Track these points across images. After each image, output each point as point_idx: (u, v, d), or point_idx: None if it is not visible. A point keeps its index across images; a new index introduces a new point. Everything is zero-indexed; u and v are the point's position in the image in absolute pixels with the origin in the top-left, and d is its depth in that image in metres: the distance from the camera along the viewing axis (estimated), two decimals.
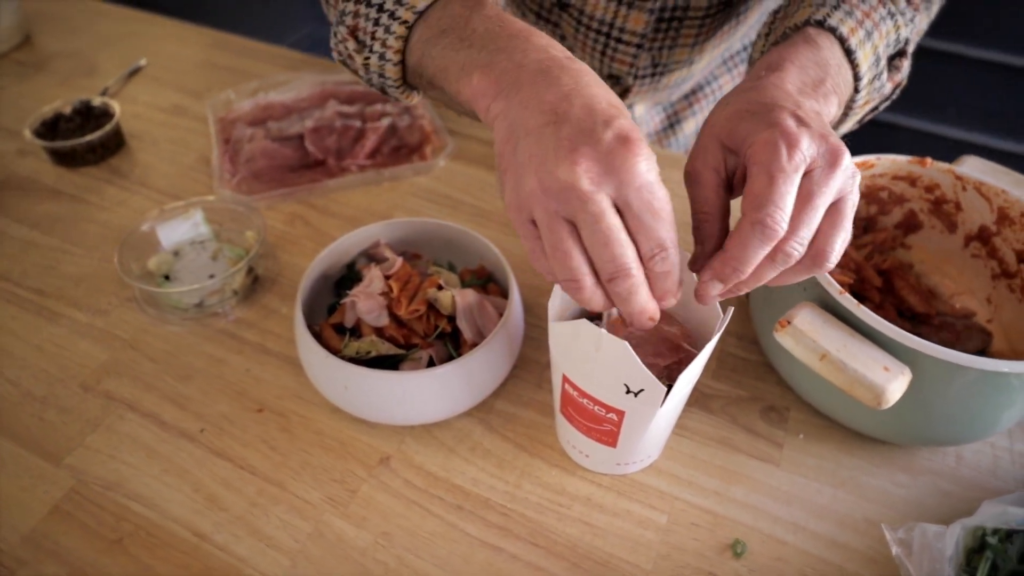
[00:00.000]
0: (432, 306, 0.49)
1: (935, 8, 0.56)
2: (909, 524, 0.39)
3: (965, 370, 0.40)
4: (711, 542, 0.43)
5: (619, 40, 0.66)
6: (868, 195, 0.56)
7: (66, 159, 0.69)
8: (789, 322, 0.42)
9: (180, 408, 0.50)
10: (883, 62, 0.48)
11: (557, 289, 0.41)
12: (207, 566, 0.42)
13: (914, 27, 0.51)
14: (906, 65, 0.51)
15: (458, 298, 0.49)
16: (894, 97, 0.53)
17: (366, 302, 0.48)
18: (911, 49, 0.51)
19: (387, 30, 0.43)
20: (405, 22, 0.42)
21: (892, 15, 0.48)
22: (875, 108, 0.53)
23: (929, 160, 0.52)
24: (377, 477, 0.46)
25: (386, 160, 0.72)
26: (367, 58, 0.45)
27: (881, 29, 0.47)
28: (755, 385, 0.52)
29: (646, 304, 0.33)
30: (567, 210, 0.31)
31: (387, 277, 0.50)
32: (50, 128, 0.70)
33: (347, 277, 0.54)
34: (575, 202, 0.31)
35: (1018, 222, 0.50)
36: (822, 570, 0.42)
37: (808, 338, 0.41)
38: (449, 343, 0.49)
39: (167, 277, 0.58)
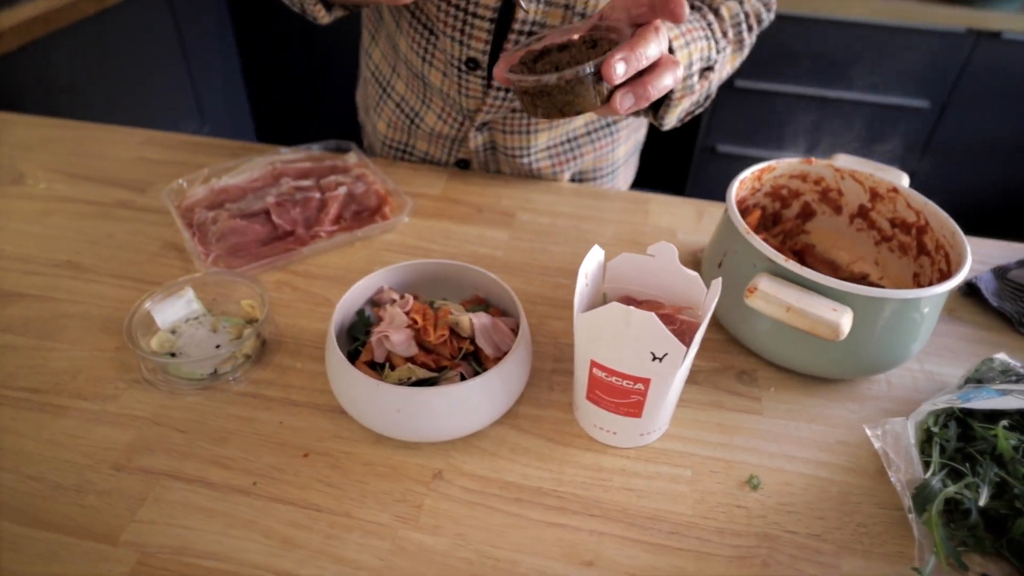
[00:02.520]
0: (453, 331, 0.55)
1: (743, 55, 0.75)
2: (882, 421, 0.49)
3: (886, 302, 0.52)
4: (731, 482, 0.52)
5: (475, 15, 0.72)
6: (773, 194, 0.70)
7: None
8: (756, 288, 0.52)
9: (225, 468, 0.51)
10: (695, 67, 0.66)
11: (579, 289, 0.49)
12: None
13: (725, 55, 0.70)
14: (712, 78, 0.69)
15: (475, 321, 0.55)
16: (706, 104, 0.72)
17: (397, 335, 0.53)
18: (718, 71, 0.70)
19: None
20: None
21: (708, 38, 0.68)
22: (691, 112, 0.72)
23: (813, 159, 0.67)
24: (436, 490, 0.50)
25: (350, 224, 0.77)
26: None
27: (697, 44, 0.65)
28: (725, 358, 0.62)
29: None
30: None
31: (406, 313, 0.56)
32: None
33: (358, 323, 0.59)
34: None
35: (886, 197, 0.65)
36: (818, 484, 0.52)
37: (773, 297, 0.52)
38: (472, 361, 0.55)
39: (173, 355, 0.59)
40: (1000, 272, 0.71)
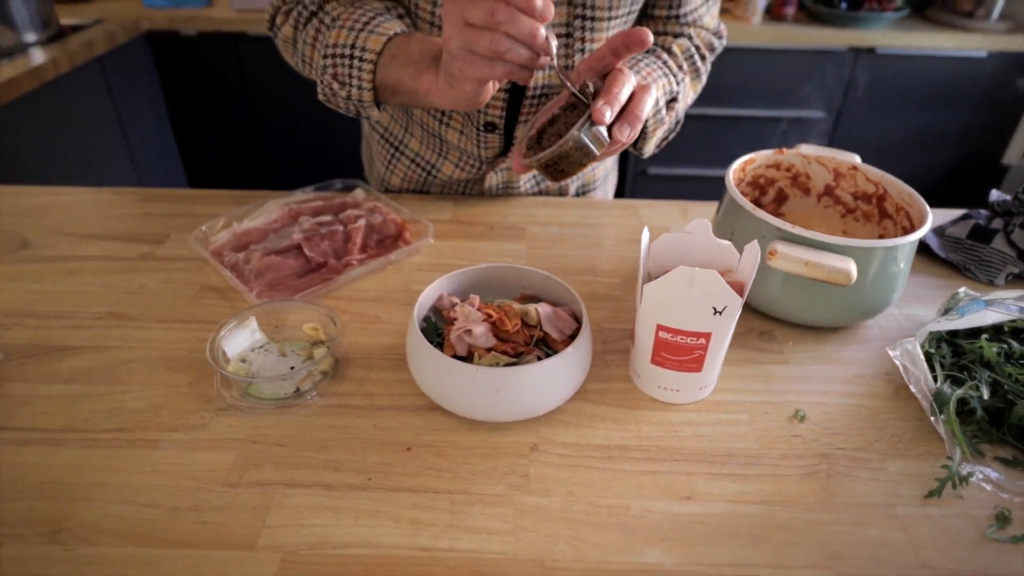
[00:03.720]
0: (522, 320, 0.61)
1: (703, 81, 0.88)
2: (898, 343, 0.59)
3: (874, 251, 0.63)
4: (782, 419, 0.60)
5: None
6: (753, 183, 0.81)
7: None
8: (776, 251, 0.62)
9: (336, 470, 0.54)
10: (661, 101, 0.78)
11: (642, 261, 0.57)
12: (448, 567, 0.47)
13: (684, 86, 0.83)
14: (677, 107, 0.82)
15: (540, 310, 0.61)
16: (676, 130, 0.85)
17: (477, 328, 0.59)
18: (681, 99, 0.82)
19: (359, 69, 0.71)
20: (372, 61, 0.70)
21: (666, 75, 0.80)
22: (665, 137, 0.85)
23: (784, 149, 0.79)
24: (536, 460, 0.55)
25: (376, 251, 0.82)
26: (348, 92, 0.73)
27: (659, 82, 0.77)
28: (744, 323, 0.71)
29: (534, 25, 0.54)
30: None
31: (477, 310, 0.61)
32: None
33: (428, 329, 0.64)
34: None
35: (847, 174, 0.78)
36: (851, 410, 0.61)
37: (792, 256, 0.61)
38: (542, 345, 0.61)
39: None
40: (939, 231, 0.85)
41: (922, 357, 0.59)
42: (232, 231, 0.82)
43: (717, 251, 0.61)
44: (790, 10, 1.98)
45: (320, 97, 0.76)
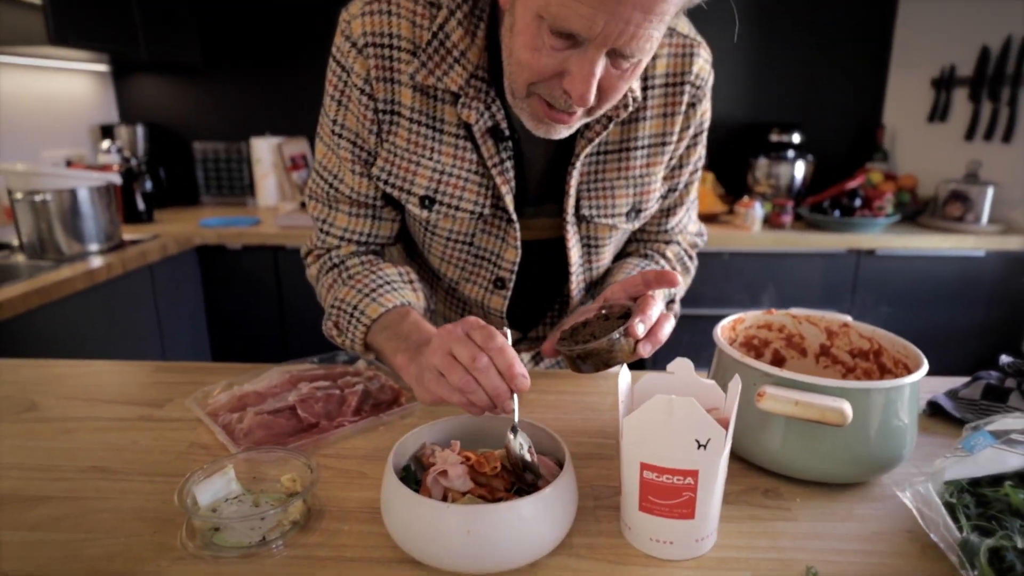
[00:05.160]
0: (503, 465, 0.59)
1: (692, 274, 0.99)
2: (907, 484, 0.54)
3: (875, 392, 0.61)
4: None
5: (488, 313, 0.94)
6: (747, 344, 0.81)
7: None
8: (764, 393, 0.60)
9: None
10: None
11: (621, 406, 0.56)
12: None
13: (680, 288, 0.88)
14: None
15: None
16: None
17: (453, 469, 0.56)
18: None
19: (355, 328, 0.81)
20: (366, 325, 0.80)
21: None
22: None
23: (773, 310, 0.80)
24: None
25: (370, 414, 0.81)
26: (343, 340, 0.85)
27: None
28: (747, 480, 0.67)
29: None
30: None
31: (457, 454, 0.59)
32: None
33: (407, 478, 0.61)
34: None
35: (840, 332, 0.78)
36: (871, 569, 0.54)
37: (781, 396, 0.59)
38: (524, 492, 0.58)
39: (216, 530, 0.58)
40: (952, 394, 0.82)
41: (937, 500, 0.53)
42: (231, 393, 0.83)
43: (701, 391, 0.60)
44: (787, 218, 2.12)
45: (324, 331, 0.87)
